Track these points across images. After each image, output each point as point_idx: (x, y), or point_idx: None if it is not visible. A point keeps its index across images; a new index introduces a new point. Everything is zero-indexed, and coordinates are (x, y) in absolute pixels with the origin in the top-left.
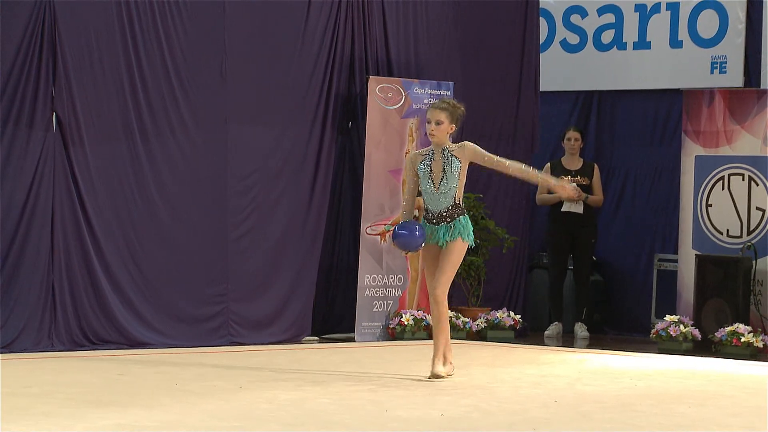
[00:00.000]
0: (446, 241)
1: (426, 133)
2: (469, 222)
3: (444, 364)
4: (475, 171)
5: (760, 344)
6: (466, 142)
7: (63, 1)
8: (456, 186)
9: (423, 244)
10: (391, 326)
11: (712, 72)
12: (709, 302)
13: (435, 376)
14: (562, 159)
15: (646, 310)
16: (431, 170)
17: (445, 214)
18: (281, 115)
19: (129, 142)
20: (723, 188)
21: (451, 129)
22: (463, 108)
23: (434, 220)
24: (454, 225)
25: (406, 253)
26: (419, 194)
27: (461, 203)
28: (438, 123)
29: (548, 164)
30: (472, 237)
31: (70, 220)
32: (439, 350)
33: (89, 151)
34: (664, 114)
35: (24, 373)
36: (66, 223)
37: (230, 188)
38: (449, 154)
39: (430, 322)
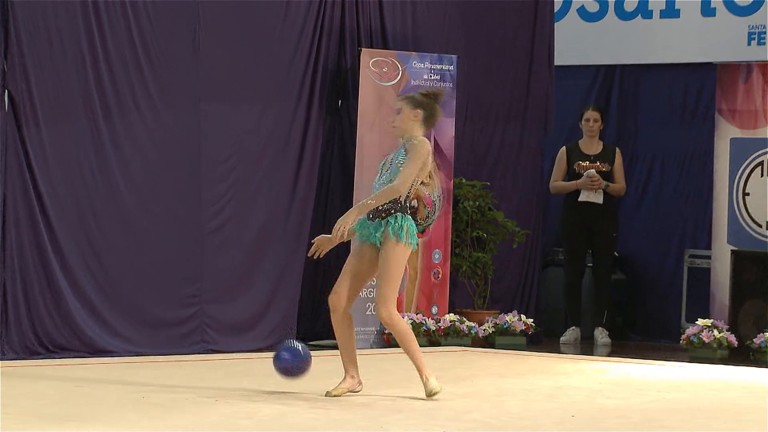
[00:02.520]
0: (378, 240)
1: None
2: (409, 220)
3: (346, 378)
4: (479, 155)
5: None
6: (425, 140)
7: None
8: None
9: (307, 369)
10: (386, 332)
11: (749, 43)
12: (746, 304)
13: (432, 393)
14: (579, 142)
15: (675, 313)
16: (383, 163)
17: (381, 208)
18: (262, 93)
19: (90, 122)
20: (762, 175)
21: (416, 116)
22: (428, 93)
23: (370, 215)
24: (388, 221)
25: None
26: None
27: (405, 202)
28: (398, 111)
29: (564, 148)
30: (414, 239)
31: (23, 211)
32: (422, 365)
33: (45, 132)
34: (695, 91)
35: None
36: (19, 213)
37: (204, 175)
38: (402, 147)
39: (431, 327)
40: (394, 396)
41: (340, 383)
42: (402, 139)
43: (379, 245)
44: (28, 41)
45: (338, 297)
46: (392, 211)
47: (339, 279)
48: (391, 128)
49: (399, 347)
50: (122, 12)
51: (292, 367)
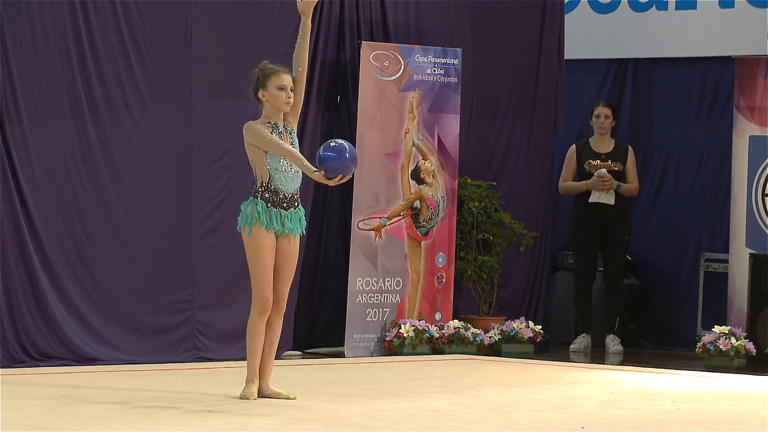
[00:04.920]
0: (298, 233)
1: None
2: None
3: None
4: (485, 154)
5: None
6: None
7: None
8: None
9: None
10: (387, 339)
11: None
12: (765, 310)
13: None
14: (590, 140)
15: (690, 319)
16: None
17: (296, 196)
18: None
19: (76, 119)
20: None
21: None
22: None
23: (285, 204)
24: (299, 211)
25: (332, 180)
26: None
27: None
28: (293, 89)
29: (573, 146)
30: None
31: (6, 213)
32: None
33: (29, 130)
34: (712, 86)
35: None
36: (1, 215)
37: (196, 174)
38: (290, 128)
39: (434, 334)
40: (396, 406)
41: (277, 388)
42: (282, 118)
43: (293, 239)
44: (11, 34)
45: (270, 300)
46: (299, 200)
47: (268, 280)
48: (287, 105)
49: (401, 355)
50: (110, 3)
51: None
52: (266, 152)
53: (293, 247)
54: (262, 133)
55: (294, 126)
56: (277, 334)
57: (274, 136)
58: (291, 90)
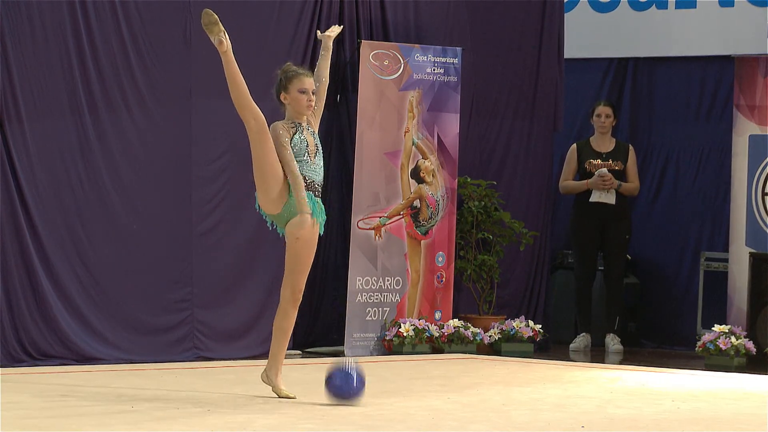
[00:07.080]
0: (318, 222)
1: (306, 104)
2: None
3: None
4: (485, 153)
5: None
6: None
7: None
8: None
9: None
10: (387, 338)
11: None
12: (765, 309)
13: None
14: (590, 139)
15: (690, 318)
16: (307, 143)
17: (317, 186)
18: (256, 87)
19: (75, 118)
20: None
21: None
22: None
23: (316, 192)
24: (319, 202)
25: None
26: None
27: None
28: (314, 92)
29: (574, 146)
30: None
31: (6, 212)
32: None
33: (28, 129)
34: (712, 86)
35: None
36: (1, 216)
37: (195, 174)
38: (311, 129)
39: (434, 333)
40: (395, 405)
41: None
42: (304, 121)
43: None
44: (11, 33)
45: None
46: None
47: (305, 273)
48: (308, 108)
49: (401, 354)
50: (110, 5)
51: (342, 392)
52: (290, 141)
53: (314, 242)
54: (282, 141)
55: (315, 129)
56: (289, 326)
57: (291, 154)
58: (313, 93)
